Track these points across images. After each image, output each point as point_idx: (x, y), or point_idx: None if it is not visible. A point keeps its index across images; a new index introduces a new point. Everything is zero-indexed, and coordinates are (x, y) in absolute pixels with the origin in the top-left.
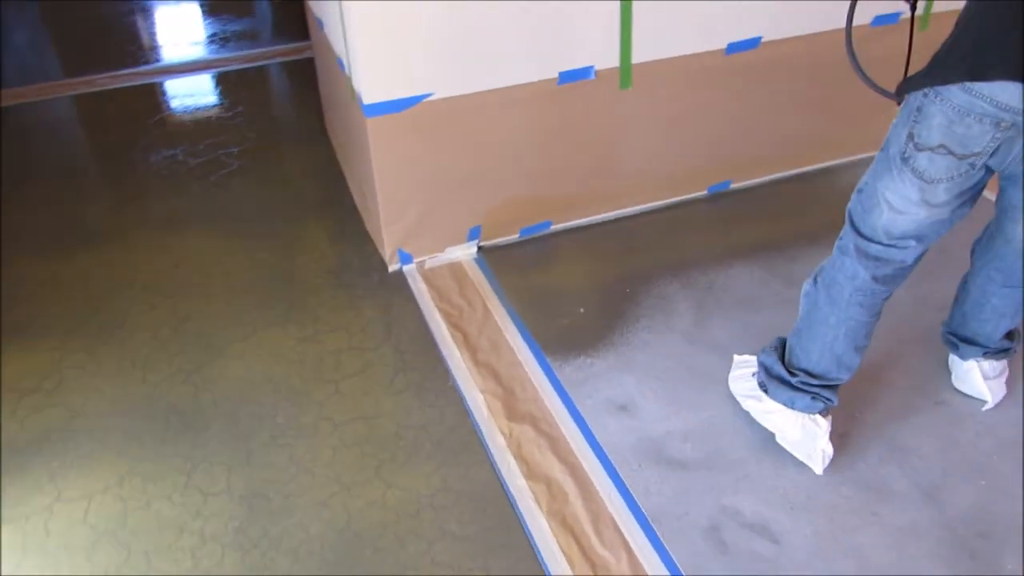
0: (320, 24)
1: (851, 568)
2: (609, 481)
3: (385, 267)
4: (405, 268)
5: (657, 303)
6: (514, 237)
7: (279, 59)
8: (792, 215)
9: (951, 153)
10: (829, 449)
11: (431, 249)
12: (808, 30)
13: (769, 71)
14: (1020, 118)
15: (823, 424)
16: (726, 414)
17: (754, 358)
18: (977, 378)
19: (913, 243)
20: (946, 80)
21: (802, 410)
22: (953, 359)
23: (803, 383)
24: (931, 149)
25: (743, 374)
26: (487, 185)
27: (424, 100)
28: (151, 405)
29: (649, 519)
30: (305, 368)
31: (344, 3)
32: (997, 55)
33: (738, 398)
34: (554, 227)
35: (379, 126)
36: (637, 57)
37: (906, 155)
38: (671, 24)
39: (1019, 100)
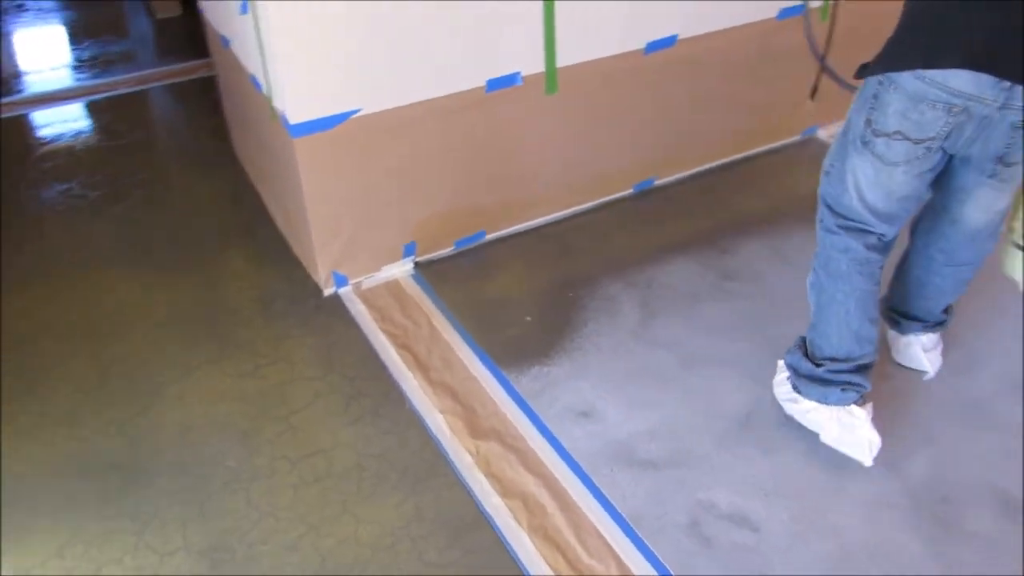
0: (225, 42)
1: (831, 547)
2: (584, 489)
3: (320, 291)
4: (341, 291)
5: (602, 305)
6: (449, 250)
7: (168, 81)
8: (717, 207)
9: (907, 139)
10: (876, 438)
11: (366, 269)
12: (721, 25)
13: (686, 68)
14: (970, 103)
15: (860, 414)
16: (685, 410)
17: None
18: (918, 351)
19: (886, 222)
20: (901, 67)
21: (836, 403)
22: (892, 334)
23: (831, 372)
24: (888, 135)
25: (783, 379)
26: (420, 199)
27: (352, 116)
28: (85, 463)
29: (630, 522)
30: (249, 405)
31: (263, 20)
32: (948, 44)
33: (781, 403)
34: (489, 236)
35: (307, 146)
36: (561, 61)
37: (865, 139)
38: (593, 26)
39: (969, 86)
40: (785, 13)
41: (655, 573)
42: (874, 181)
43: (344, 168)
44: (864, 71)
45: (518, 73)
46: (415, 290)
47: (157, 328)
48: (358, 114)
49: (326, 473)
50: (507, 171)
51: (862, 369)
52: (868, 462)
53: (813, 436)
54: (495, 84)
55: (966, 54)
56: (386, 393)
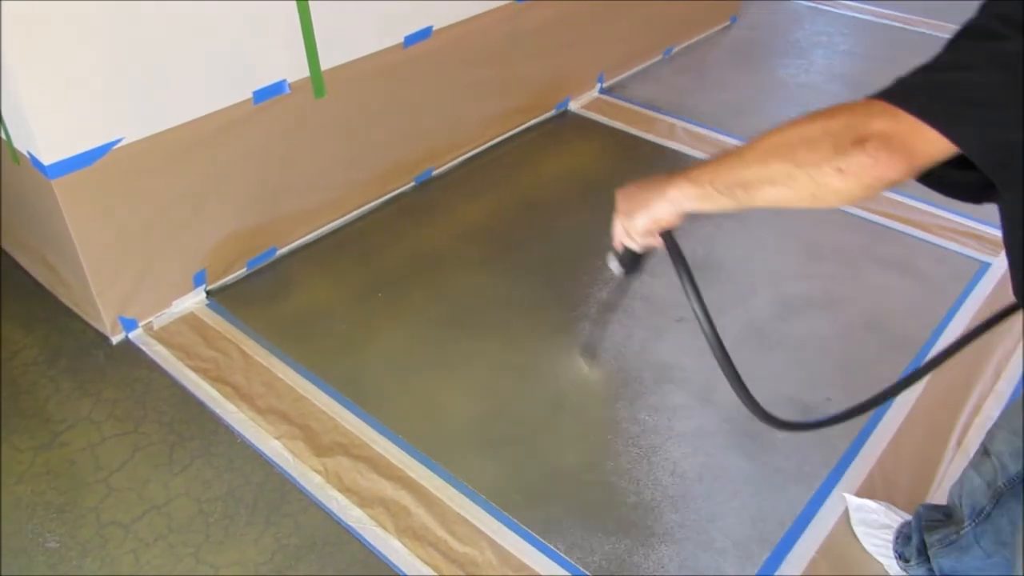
0: None
1: (671, 479)
2: (441, 480)
3: (106, 340)
4: (131, 335)
5: (410, 300)
6: (242, 271)
7: None
8: (492, 187)
9: None
10: None
11: (156, 307)
12: (472, 13)
13: (444, 57)
14: None
15: None
16: (515, 389)
17: (875, 505)
18: None
19: None
20: None
21: None
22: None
23: None
24: None
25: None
26: (202, 224)
27: (114, 147)
28: None
29: (491, 502)
30: (58, 478)
31: None
32: None
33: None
34: (281, 251)
35: (68, 186)
36: (325, 64)
37: None
38: (351, 25)
39: None
40: (261, 95)
41: (526, 544)
42: None
43: (114, 204)
44: None
45: (284, 81)
46: (215, 319)
47: None
48: (120, 144)
49: (167, 529)
50: (289, 181)
51: None
52: None
53: (634, 386)
54: (262, 95)
55: None
56: (212, 431)
